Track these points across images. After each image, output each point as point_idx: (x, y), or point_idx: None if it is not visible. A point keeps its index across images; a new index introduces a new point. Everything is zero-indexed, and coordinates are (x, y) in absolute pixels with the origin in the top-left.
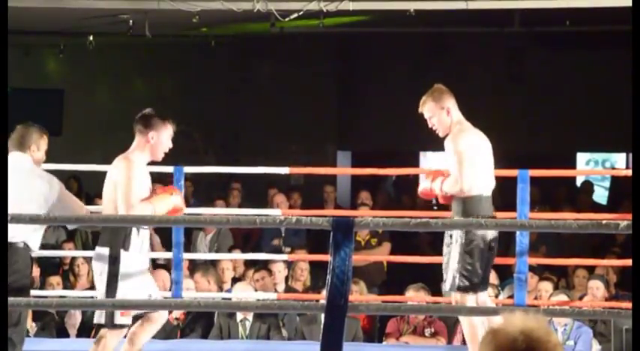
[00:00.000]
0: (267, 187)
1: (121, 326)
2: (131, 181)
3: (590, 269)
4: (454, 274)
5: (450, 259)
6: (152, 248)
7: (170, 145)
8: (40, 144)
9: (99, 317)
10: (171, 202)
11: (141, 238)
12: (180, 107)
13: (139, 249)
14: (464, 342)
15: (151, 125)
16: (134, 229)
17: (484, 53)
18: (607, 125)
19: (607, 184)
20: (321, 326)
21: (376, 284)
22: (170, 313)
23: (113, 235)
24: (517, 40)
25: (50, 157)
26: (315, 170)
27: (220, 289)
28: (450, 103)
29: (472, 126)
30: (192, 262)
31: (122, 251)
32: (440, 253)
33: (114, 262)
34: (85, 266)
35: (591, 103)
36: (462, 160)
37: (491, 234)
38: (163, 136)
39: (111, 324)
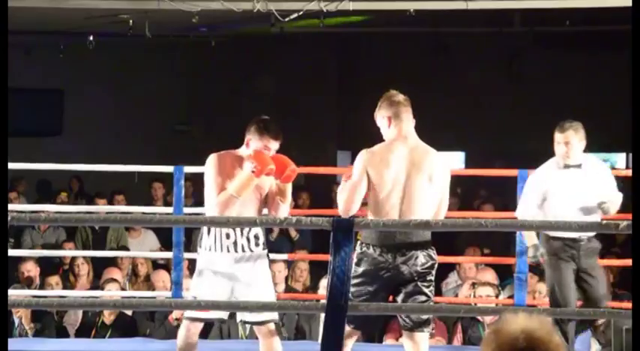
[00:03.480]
0: None
1: (192, 319)
2: (209, 177)
3: None
4: None
5: None
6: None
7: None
8: None
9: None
10: (246, 172)
11: (212, 238)
12: (180, 107)
13: (212, 248)
14: (464, 342)
15: (249, 131)
16: (204, 229)
17: (484, 53)
18: (607, 125)
19: None
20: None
21: None
22: (170, 313)
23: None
24: (517, 40)
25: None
26: (315, 170)
27: None
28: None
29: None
30: (192, 262)
31: (198, 249)
32: (441, 253)
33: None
34: (85, 266)
35: (591, 103)
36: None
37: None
38: (255, 146)
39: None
